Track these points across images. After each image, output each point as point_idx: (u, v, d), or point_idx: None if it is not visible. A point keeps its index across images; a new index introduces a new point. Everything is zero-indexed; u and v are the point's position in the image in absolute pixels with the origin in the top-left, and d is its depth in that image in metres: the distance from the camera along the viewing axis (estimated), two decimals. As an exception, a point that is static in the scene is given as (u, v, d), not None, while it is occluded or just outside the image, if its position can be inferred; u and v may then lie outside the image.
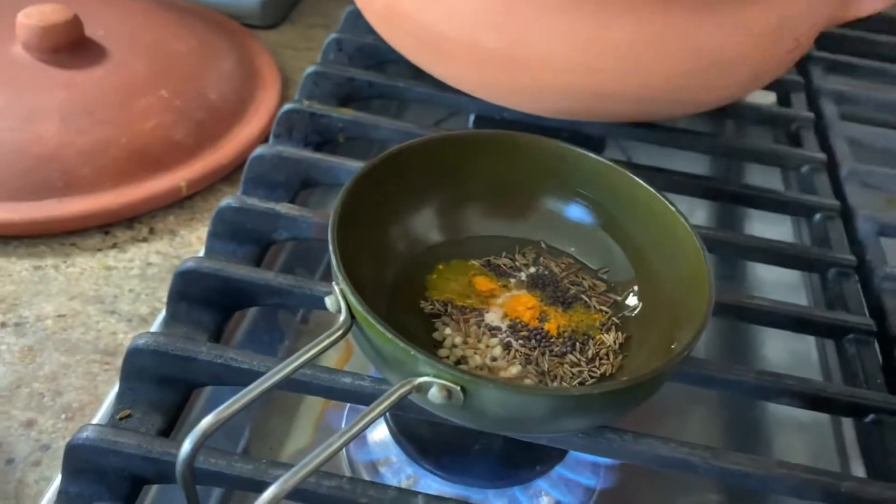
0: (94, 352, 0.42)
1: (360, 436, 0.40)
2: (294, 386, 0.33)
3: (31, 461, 0.37)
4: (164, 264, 0.47)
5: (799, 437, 0.44)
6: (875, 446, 0.35)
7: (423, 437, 0.38)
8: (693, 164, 0.59)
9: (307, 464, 0.25)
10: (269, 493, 0.24)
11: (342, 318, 0.29)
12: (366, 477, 0.39)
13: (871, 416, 0.36)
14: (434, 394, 0.27)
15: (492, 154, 0.37)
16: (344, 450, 0.40)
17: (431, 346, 0.33)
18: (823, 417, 0.44)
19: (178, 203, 0.51)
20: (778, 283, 0.54)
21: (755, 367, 0.37)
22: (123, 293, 0.45)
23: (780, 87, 0.58)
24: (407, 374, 0.28)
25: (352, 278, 0.30)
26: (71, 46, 0.52)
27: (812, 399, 0.36)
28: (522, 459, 0.38)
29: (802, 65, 0.60)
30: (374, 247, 0.35)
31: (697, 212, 0.58)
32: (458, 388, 0.27)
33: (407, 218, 0.36)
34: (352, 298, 0.28)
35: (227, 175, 0.53)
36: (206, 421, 0.26)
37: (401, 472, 0.39)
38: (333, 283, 0.30)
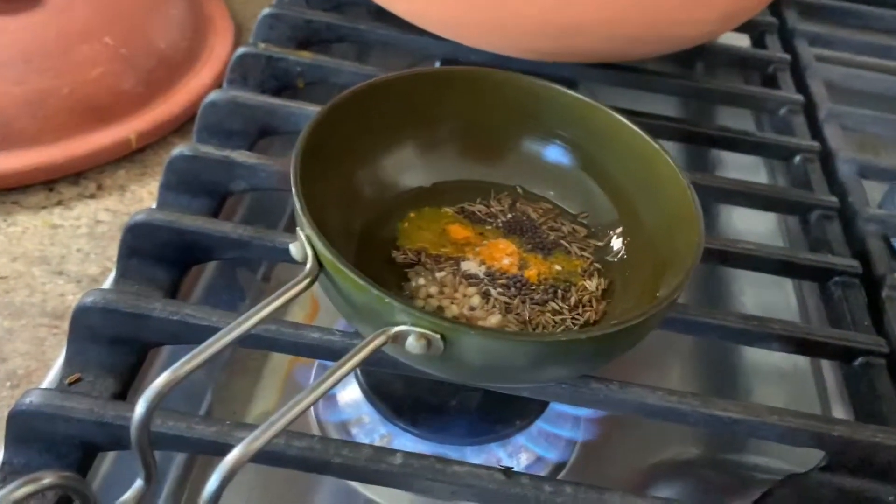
0: (40, 315, 0.39)
1: (328, 395, 0.38)
2: (257, 342, 0.31)
3: (-26, 432, 0.34)
4: (114, 222, 0.44)
5: (778, 384, 0.43)
6: (864, 389, 0.34)
7: (396, 394, 0.36)
8: (664, 108, 0.57)
9: (273, 423, 0.23)
10: (232, 455, 0.22)
11: (308, 266, 0.26)
12: (335, 437, 0.37)
13: (859, 360, 0.35)
14: (412, 343, 0.25)
15: (463, 93, 0.35)
16: (312, 411, 0.38)
17: (405, 298, 0.31)
18: (803, 364, 0.43)
19: (128, 157, 0.48)
20: (752, 231, 0.52)
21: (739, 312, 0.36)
22: (71, 253, 0.42)
23: (753, 29, 0.56)
24: (381, 324, 0.26)
25: (319, 225, 0.27)
26: (3, -10, 0.48)
27: (799, 343, 0.35)
28: (501, 415, 0.36)
29: (776, 7, 0.58)
30: (339, 193, 0.32)
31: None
32: (438, 336, 0.25)
33: (373, 163, 0.34)
34: (318, 244, 0.26)
35: (179, 126, 0.50)
36: (161, 379, 0.23)
37: (374, 432, 0.37)
38: (298, 229, 0.27)
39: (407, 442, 0.36)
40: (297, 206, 0.27)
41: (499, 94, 0.35)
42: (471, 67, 0.36)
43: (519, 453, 0.37)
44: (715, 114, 0.61)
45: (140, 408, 0.23)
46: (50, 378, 0.34)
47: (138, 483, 0.25)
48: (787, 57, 0.53)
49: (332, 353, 0.31)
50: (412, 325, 0.25)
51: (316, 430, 0.37)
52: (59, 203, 0.44)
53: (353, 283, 0.25)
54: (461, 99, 0.35)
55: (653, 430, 0.40)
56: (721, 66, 0.59)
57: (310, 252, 0.27)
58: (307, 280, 0.26)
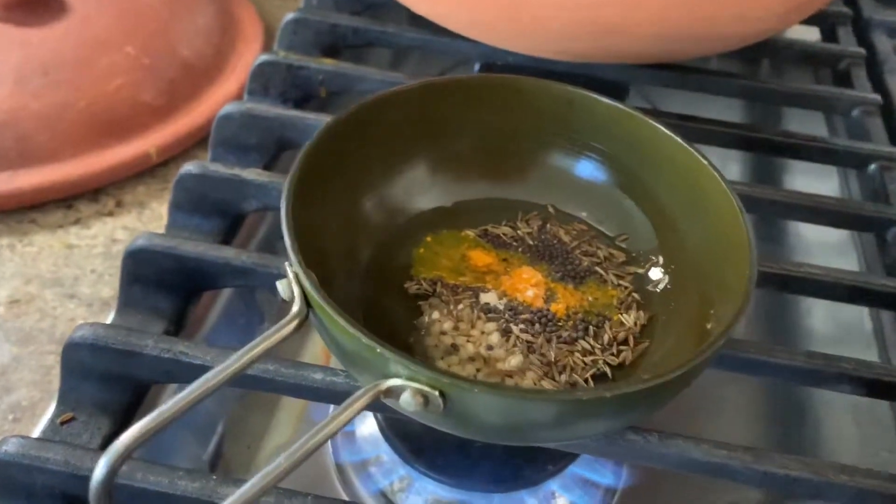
0: (49, 342, 0.37)
1: (346, 431, 0.36)
2: (254, 384, 0.28)
3: (-29, 470, 0.32)
4: (130, 241, 0.42)
5: (854, 425, 0.38)
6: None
7: (415, 433, 0.33)
8: (727, 111, 0.52)
9: (255, 484, 0.20)
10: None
11: (296, 307, 0.24)
12: (354, 479, 0.34)
13: (945, 405, 0.30)
14: (407, 399, 0.22)
15: (485, 103, 0.31)
16: (329, 450, 0.35)
17: (416, 334, 0.28)
18: (882, 403, 0.38)
19: (149, 171, 0.46)
20: (823, 245, 0.47)
21: (802, 348, 0.32)
22: (85, 274, 0.40)
23: (824, 20, 0.51)
24: (376, 374, 0.22)
25: (316, 256, 0.25)
26: (27, 1, 0.47)
27: (874, 385, 0.30)
28: (530, 459, 0.33)
29: (849, -6, 0.53)
30: (345, 218, 0.29)
31: (730, 166, 0.52)
32: (437, 392, 0.21)
33: (386, 183, 0.31)
34: (306, 283, 0.23)
35: (202, 139, 0.47)
36: (126, 436, 0.21)
37: (392, 472, 0.34)
38: (286, 264, 0.24)
39: (428, 485, 0.33)
40: (287, 240, 0.24)
41: (526, 103, 0.32)
42: (492, 75, 0.32)
43: (552, 500, 0.34)
44: (784, 116, 0.56)
45: (100, 469, 0.21)
46: (49, 415, 0.32)
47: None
48: (862, 51, 0.47)
49: (336, 397, 0.28)
50: (407, 379, 0.22)
51: (333, 471, 0.35)
52: (77, 221, 0.43)
53: (342, 329, 0.22)
54: (483, 110, 0.32)
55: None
56: (789, 63, 0.54)
57: (297, 291, 0.24)
58: (295, 322, 0.23)
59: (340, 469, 0.34)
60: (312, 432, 0.21)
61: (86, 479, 0.25)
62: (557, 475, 0.33)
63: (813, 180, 0.50)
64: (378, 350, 0.22)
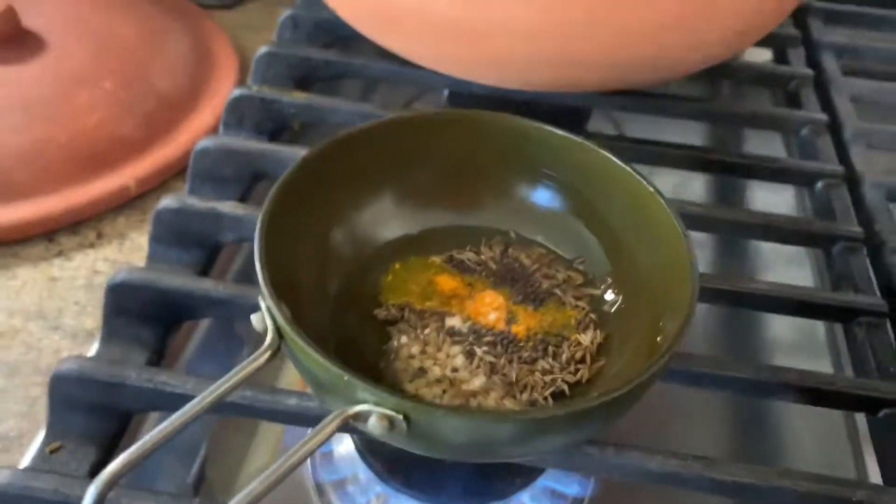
0: (34, 373, 0.39)
1: (324, 451, 0.37)
2: (233, 410, 0.30)
3: (-39, 501, 0.34)
4: (111, 272, 0.43)
5: (811, 436, 0.40)
6: (890, 445, 0.32)
7: (389, 452, 0.35)
8: (691, 133, 0.54)
9: (225, 515, 0.22)
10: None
11: (269, 339, 0.25)
12: (333, 498, 0.36)
13: (883, 412, 0.32)
14: (373, 423, 0.23)
15: (448, 137, 0.33)
16: (308, 470, 0.37)
17: (385, 359, 0.30)
18: (836, 415, 0.40)
19: (128, 203, 0.47)
20: (781, 258, 0.50)
21: (762, 360, 0.33)
22: (68, 306, 0.42)
23: (775, 42, 0.53)
24: (345, 400, 0.24)
25: (288, 288, 0.26)
26: (5, 39, 0.48)
27: (816, 394, 0.32)
28: (500, 473, 0.34)
29: (800, 16, 0.55)
30: (316, 249, 0.31)
31: (694, 185, 0.54)
32: (401, 416, 0.23)
33: (354, 214, 0.33)
34: (278, 316, 0.25)
35: (180, 170, 0.49)
36: (114, 465, 0.22)
37: (369, 490, 0.35)
38: (259, 297, 0.26)
39: (403, 502, 0.35)
40: (259, 275, 0.26)
41: (485, 136, 0.33)
42: (453, 110, 0.34)
43: (521, 512, 0.35)
44: (745, 139, 0.58)
45: (89, 497, 0.22)
46: (36, 444, 0.33)
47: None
48: (811, 72, 0.50)
49: (310, 421, 0.29)
50: (373, 404, 0.23)
51: (312, 490, 0.36)
52: (59, 254, 0.44)
53: (312, 359, 0.24)
54: (445, 143, 0.33)
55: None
56: (747, 85, 0.56)
57: (270, 324, 0.25)
58: (267, 354, 0.25)
59: (320, 488, 0.35)
60: (286, 456, 0.22)
61: (75, 507, 0.27)
62: (527, 487, 0.35)
63: (772, 197, 0.52)
64: (345, 378, 0.23)
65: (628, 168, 0.31)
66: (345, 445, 0.37)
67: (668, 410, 0.40)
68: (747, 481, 0.28)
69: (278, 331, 0.25)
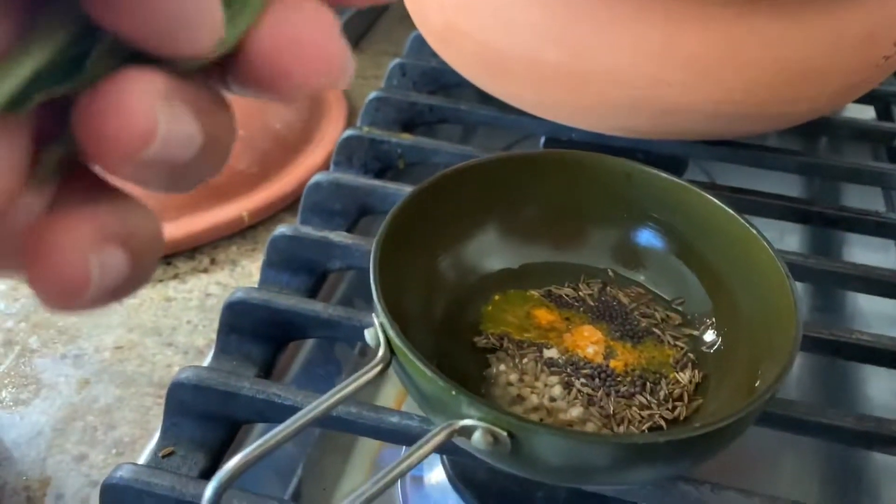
0: (148, 385, 0.41)
1: (415, 476, 0.38)
2: (337, 424, 0.31)
3: (79, 497, 0.36)
4: (222, 295, 0.46)
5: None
6: None
7: (481, 482, 0.35)
8: (785, 187, 0.54)
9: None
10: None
11: (381, 353, 0.27)
12: (422, 522, 0.36)
13: None
14: (478, 439, 0.24)
15: (552, 176, 0.35)
16: (399, 491, 0.38)
17: (485, 384, 0.31)
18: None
19: (240, 233, 0.50)
20: (881, 316, 0.48)
21: (854, 410, 0.33)
22: (181, 324, 0.44)
23: (879, 99, 0.53)
24: (450, 415, 0.25)
25: (397, 310, 0.28)
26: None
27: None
28: (590, 509, 0.34)
29: (904, 75, 0.55)
30: (422, 276, 0.32)
31: (789, 238, 0.54)
32: (505, 433, 0.24)
33: (460, 245, 0.34)
34: (391, 332, 0.26)
35: (289, 205, 0.52)
36: (232, 463, 0.24)
37: (458, 519, 0.36)
38: (373, 314, 0.28)
39: (492, 532, 0.35)
40: (374, 294, 0.27)
41: (589, 176, 0.35)
42: (559, 150, 0.35)
43: (611, 551, 0.35)
44: (843, 193, 0.57)
45: (208, 492, 0.24)
46: (148, 451, 0.35)
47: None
48: (916, 129, 0.49)
49: (410, 439, 0.31)
50: (479, 420, 0.24)
51: (402, 513, 0.37)
52: (175, 276, 0.47)
53: (421, 373, 0.25)
54: (550, 182, 0.35)
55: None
56: (846, 141, 0.56)
57: (382, 339, 0.27)
58: (379, 367, 0.26)
59: (409, 511, 0.36)
60: (391, 466, 0.24)
61: (189, 504, 0.29)
62: (616, 526, 0.35)
63: (870, 254, 0.51)
64: (454, 392, 0.24)
65: (731, 211, 0.32)
66: (436, 474, 0.38)
67: (765, 458, 0.39)
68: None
69: (390, 346, 0.27)
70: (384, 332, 0.27)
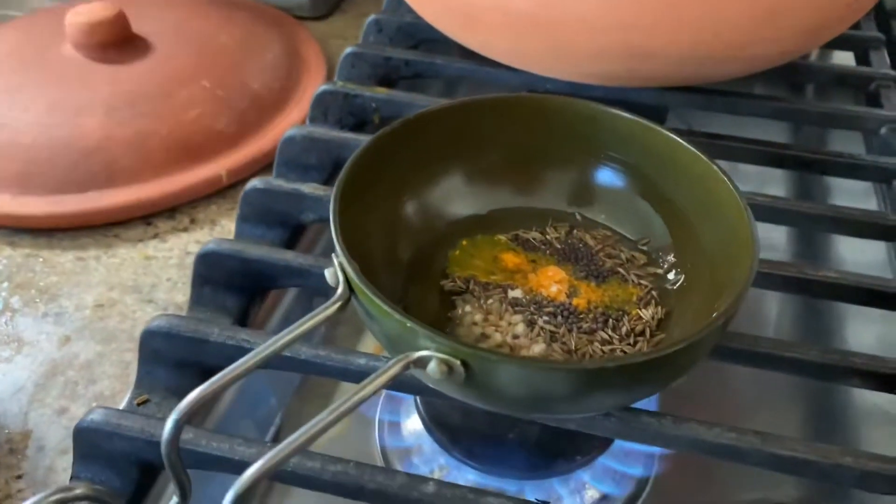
0: (128, 340, 0.41)
1: (392, 423, 0.39)
2: (306, 367, 0.32)
3: (60, 449, 0.36)
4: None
5: (876, 418, 0.39)
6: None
7: (454, 425, 0.36)
8: (772, 134, 0.54)
9: (291, 443, 0.23)
10: (248, 472, 0.23)
11: (339, 290, 0.27)
12: (398, 465, 0.37)
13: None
14: (433, 368, 0.25)
15: (516, 119, 0.35)
16: (376, 438, 0.38)
17: (450, 325, 0.31)
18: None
19: (220, 192, 0.50)
20: (861, 263, 0.49)
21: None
22: (161, 282, 0.45)
23: (859, 45, 0.53)
24: (408, 349, 0.25)
25: (360, 253, 0.28)
26: (117, 42, 0.53)
27: (886, 379, 0.32)
28: (561, 449, 0.35)
29: (883, 19, 0.54)
30: (388, 221, 0.33)
31: (771, 187, 0.54)
32: (458, 361, 0.24)
33: (425, 191, 0.34)
34: (348, 269, 0.27)
35: (268, 164, 0.52)
36: (189, 397, 0.24)
37: (433, 461, 0.37)
38: (333, 254, 0.28)
39: (466, 474, 0.36)
40: (333, 232, 0.28)
41: (553, 119, 0.35)
42: (522, 94, 0.35)
43: (582, 490, 0.36)
44: (827, 139, 0.57)
45: (168, 424, 0.24)
46: (126, 400, 0.36)
47: (174, 501, 0.26)
48: (893, 73, 0.49)
49: (376, 380, 0.31)
50: (434, 350, 0.25)
51: (379, 457, 0.38)
52: (155, 236, 0.47)
53: (378, 308, 0.25)
54: (514, 126, 0.35)
55: (738, 467, 0.37)
56: (828, 87, 0.56)
57: (341, 277, 0.27)
58: (338, 304, 0.27)
59: (384, 453, 0.37)
60: (351, 393, 0.24)
61: (158, 445, 0.29)
62: (588, 465, 0.35)
63: (850, 201, 0.51)
64: (408, 325, 0.25)
65: (693, 149, 0.32)
66: (412, 421, 0.38)
67: (733, 394, 0.40)
68: (808, 457, 0.28)
69: (349, 284, 0.27)
70: (343, 270, 0.27)
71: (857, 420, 0.42)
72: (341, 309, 0.27)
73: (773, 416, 0.42)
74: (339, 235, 0.27)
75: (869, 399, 0.41)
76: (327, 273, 0.28)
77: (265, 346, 0.25)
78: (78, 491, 0.23)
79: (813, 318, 0.46)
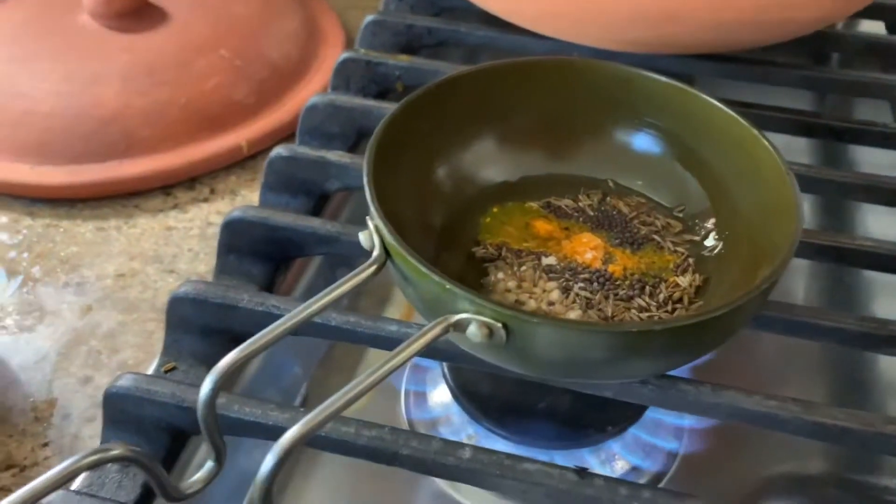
0: (150, 310, 0.41)
1: (419, 393, 0.38)
2: (337, 334, 0.31)
3: (85, 417, 0.36)
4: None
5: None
6: None
7: (483, 394, 0.36)
8: (797, 104, 0.53)
9: (329, 406, 0.23)
10: (288, 435, 0.22)
11: (375, 253, 0.26)
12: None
13: None
14: (473, 331, 0.24)
15: (547, 83, 0.34)
16: (402, 409, 0.38)
17: (483, 292, 0.31)
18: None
19: (240, 163, 0.50)
20: (889, 234, 0.48)
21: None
22: (182, 252, 0.44)
23: (888, 13, 0.52)
24: (446, 312, 0.25)
25: (394, 218, 0.27)
26: (133, 11, 0.52)
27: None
28: (592, 419, 0.35)
29: (915, -11, 0.53)
30: (419, 187, 0.32)
31: (796, 155, 0.53)
32: (500, 325, 0.24)
33: (456, 156, 0.34)
34: (384, 231, 0.26)
35: (288, 135, 0.51)
36: (226, 359, 0.24)
37: (461, 431, 0.36)
38: (367, 218, 0.27)
39: (495, 444, 0.35)
40: (368, 195, 0.27)
41: (585, 83, 0.34)
42: (554, 56, 0.35)
43: (612, 461, 0.35)
44: (853, 109, 0.56)
45: (205, 387, 0.24)
46: (152, 367, 0.35)
47: (209, 465, 0.26)
48: (926, 42, 0.48)
49: (409, 347, 0.30)
50: (474, 313, 0.24)
51: (405, 427, 0.37)
52: (175, 206, 0.47)
53: (416, 271, 0.25)
54: (546, 90, 0.34)
55: (768, 441, 0.37)
56: (857, 56, 0.54)
57: (377, 241, 0.27)
58: (374, 267, 0.26)
59: (412, 424, 0.36)
60: (389, 356, 0.24)
61: (189, 411, 0.29)
62: (618, 437, 0.35)
63: (881, 170, 0.51)
64: (448, 287, 0.24)
65: (732, 112, 0.31)
66: (439, 391, 0.38)
67: (760, 363, 0.39)
68: (850, 426, 0.28)
69: (384, 247, 0.26)
70: (378, 233, 0.27)
71: (885, 388, 0.41)
72: (376, 272, 0.26)
73: (801, 384, 0.42)
74: (375, 197, 0.27)
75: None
76: (362, 236, 0.28)
77: (300, 310, 0.25)
78: (115, 452, 0.22)
79: (841, 289, 0.45)
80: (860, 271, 0.43)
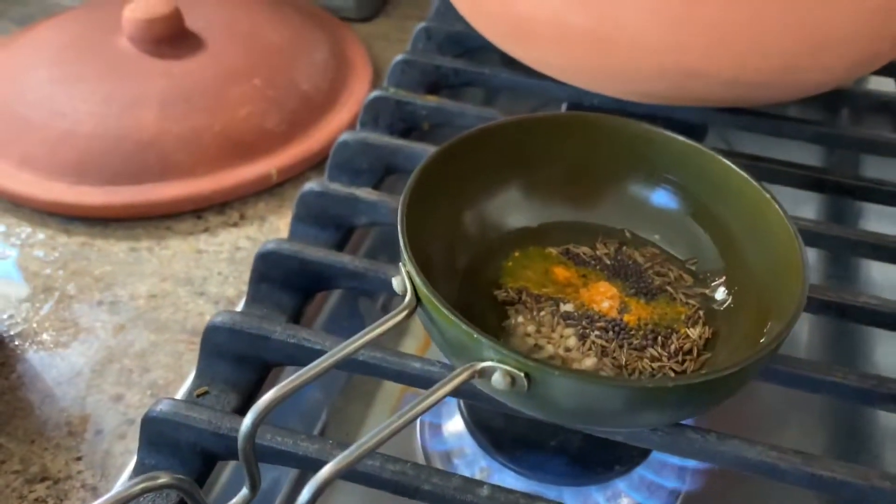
0: (181, 331, 0.43)
1: (434, 425, 0.40)
2: (363, 368, 0.33)
3: (117, 434, 0.38)
4: (251, 249, 0.48)
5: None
6: None
7: (497, 429, 0.37)
8: (804, 158, 0.55)
9: (363, 444, 0.25)
10: (324, 470, 0.24)
11: (407, 299, 0.28)
12: (439, 466, 0.38)
13: None
14: (497, 379, 0.26)
15: (572, 137, 0.36)
16: (418, 439, 0.40)
17: (503, 335, 0.32)
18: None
19: (269, 190, 0.52)
20: (894, 287, 0.49)
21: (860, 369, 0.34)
22: (212, 276, 0.46)
23: (899, 71, 0.53)
24: (471, 358, 0.27)
25: (422, 261, 0.29)
26: (172, 38, 0.54)
27: (922, 406, 0.33)
28: (600, 458, 0.36)
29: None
30: (446, 231, 0.34)
31: (804, 209, 0.55)
32: (522, 374, 0.26)
33: (482, 202, 0.35)
34: (417, 279, 0.28)
35: (316, 164, 0.53)
36: (268, 396, 0.26)
37: (474, 464, 0.38)
38: (400, 263, 0.29)
39: (506, 477, 0.37)
40: (401, 242, 0.29)
41: (608, 139, 0.36)
42: (581, 113, 0.37)
43: (618, 499, 0.37)
44: (862, 164, 0.58)
45: (247, 420, 0.26)
46: (183, 390, 0.37)
47: (244, 492, 0.27)
48: (935, 102, 0.50)
49: (431, 384, 0.32)
50: (498, 361, 0.26)
51: (420, 457, 0.39)
52: (206, 230, 0.49)
53: (445, 318, 0.27)
54: (570, 143, 0.36)
55: (769, 484, 0.38)
56: (867, 112, 0.56)
57: (409, 286, 0.28)
58: (405, 312, 0.28)
59: (427, 455, 0.38)
60: (420, 399, 0.25)
61: (224, 438, 0.31)
62: (625, 475, 0.37)
63: (887, 227, 0.52)
64: (475, 336, 0.26)
65: (745, 174, 0.33)
66: (454, 423, 0.39)
67: (761, 410, 0.41)
68: (846, 479, 0.29)
69: (415, 293, 0.28)
70: (410, 279, 0.28)
71: (882, 441, 0.43)
72: (408, 316, 0.28)
73: (801, 433, 0.43)
74: (408, 245, 0.29)
75: (894, 421, 0.42)
76: (395, 281, 0.29)
77: (338, 350, 0.27)
78: (161, 480, 0.24)
79: (844, 340, 0.47)
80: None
